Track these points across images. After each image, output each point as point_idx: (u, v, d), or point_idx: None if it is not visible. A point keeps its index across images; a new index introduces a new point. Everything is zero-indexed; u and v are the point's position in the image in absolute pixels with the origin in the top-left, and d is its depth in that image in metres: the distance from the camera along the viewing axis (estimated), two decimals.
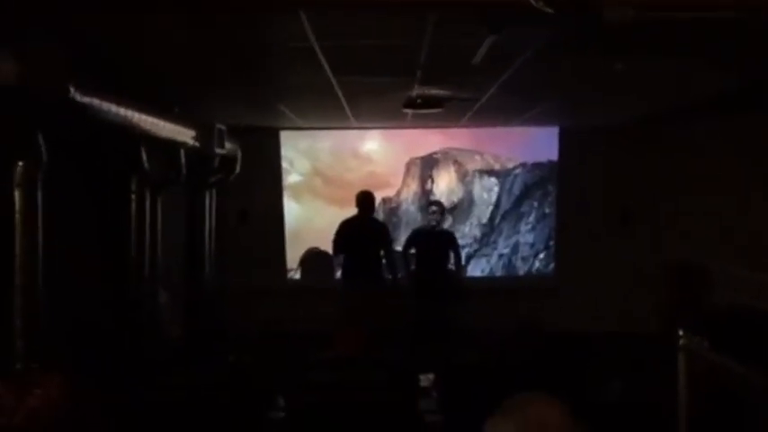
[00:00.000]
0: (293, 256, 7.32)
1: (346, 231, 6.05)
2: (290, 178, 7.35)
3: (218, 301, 6.16)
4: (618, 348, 4.57)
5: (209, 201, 6.08)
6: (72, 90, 2.99)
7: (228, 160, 6.02)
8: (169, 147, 4.78)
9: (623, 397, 3.21)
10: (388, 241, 6.23)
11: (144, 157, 4.46)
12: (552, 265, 7.46)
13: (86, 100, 3.16)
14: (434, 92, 4.69)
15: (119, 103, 3.69)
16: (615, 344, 5.00)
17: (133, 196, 4.54)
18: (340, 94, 4.69)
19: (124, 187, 4.53)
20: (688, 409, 2.15)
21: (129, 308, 4.48)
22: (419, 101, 4.80)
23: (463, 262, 6.96)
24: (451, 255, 6.58)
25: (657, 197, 6.89)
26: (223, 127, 5.44)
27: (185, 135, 4.89)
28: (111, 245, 4.63)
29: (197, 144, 5.08)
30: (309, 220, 7.31)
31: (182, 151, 4.88)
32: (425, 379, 3.95)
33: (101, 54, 3.42)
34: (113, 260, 4.59)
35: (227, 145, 5.67)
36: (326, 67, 3.77)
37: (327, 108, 5.44)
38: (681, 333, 1.97)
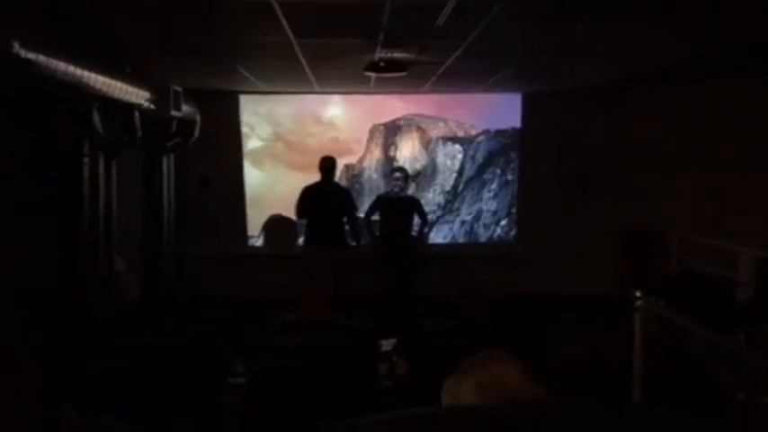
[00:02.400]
0: (255, 223, 7.23)
1: (309, 197, 5.98)
2: (251, 143, 7.21)
3: (177, 267, 6.06)
4: (577, 311, 4.65)
5: (168, 166, 5.94)
6: (15, 45, 2.83)
7: (187, 124, 5.86)
8: (123, 108, 4.63)
9: (581, 358, 3.26)
10: (351, 207, 6.19)
11: (96, 119, 4.30)
12: (514, 232, 7.53)
13: (31, 56, 3.00)
14: (398, 55, 4.62)
15: (68, 61, 3.53)
16: (575, 307, 5.10)
17: (86, 160, 4.38)
18: (301, 56, 4.58)
19: (76, 150, 4.37)
20: (643, 368, 2.18)
21: (84, 275, 4.37)
22: (382, 64, 4.72)
23: (428, 227, 6.98)
24: (416, 220, 6.57)
25: (617, 162, 6.97)
26: (179, 89, 5.27)
27: (140, 96, 4.72)
28: (64, 211, 4.49)
29: (152, 106, 4.92)
30: (271, 186, 7.20)
31: (136, 113, 4.73)
32: (387, 344, 3.96)
33: (48, 8, 3.25)
34: (67, 227, 4.45)
35: (185, 108, 5.50)
36: (286, 26, 3.66)
37: (288, 71, 5.31)
38: (637, 294, 1.98)
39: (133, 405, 2.91)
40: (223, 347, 3.32)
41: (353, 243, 6.25)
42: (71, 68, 3.62)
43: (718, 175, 6.68)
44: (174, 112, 5.21)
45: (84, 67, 3.84)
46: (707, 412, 2.07)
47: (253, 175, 7.22)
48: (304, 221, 6.09)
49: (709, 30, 3.91)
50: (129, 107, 4.70)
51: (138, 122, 4.78)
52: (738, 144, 6.70)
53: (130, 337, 3.24)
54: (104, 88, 4.19)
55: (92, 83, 4.01)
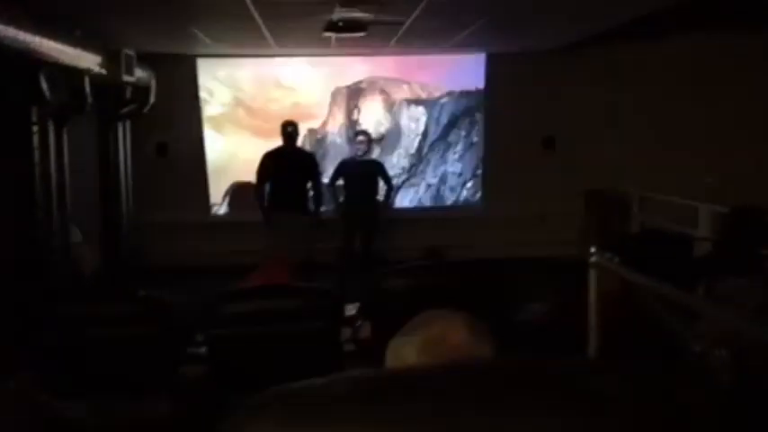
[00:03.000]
0: (217, 190, 7.11)
1: (271, 162, 5.87)
2: (211, 109, 7.04)
3: (137, 237, 5.94)
4: (542, 271, 4.68)
5: (123, 133, 5.78)
6: None
7: (141, 89, 5.69)
8: (72, 74, 4.45)
9: (543, 316, 3.27)
10: (315, 172, 6.10)
11: (44, 84, 4.13)
12: (479, 194, 7.53)
13: None
14: (356, 14, 4.50)
15: (12, 25, 3.36)
16: (540, 267, 5.14)
17: (35, 128, 4.23)
18: (256, 15, 4.44)
19: (24, 119, 4.21)
20: (601, 324, 2.19)
21: (38, 246, 4.25)
22: (341, 24, 4.61)
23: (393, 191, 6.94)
24: (381, 184, 6.52)
25: (583, 123, 6.99)
26: (132, 53, 5.09)
27: (90, 61, 4.55)
28: (15, 181, 4.34)
29: (103, 71, 4.75)
30: (233, 153, 7.06)
31: (86, 79, 4.56)
32: (351, 308, 3.93)
33: None
34: (18, 198, 4.31)
35: (139, 72, 5.33)
36: None
37: (245, 32, 5.16)
38: (592, 251, 1.97)
39: (92, 375, 2.87)
40: (183, 316, 3.26)
41: (318, 207, 6.18)
42: (15, 32, 3.46)
43: (680, 134, 6.75)
44: (126, 77, 5.04)
45: (29, 31, 3.67)
46: (659, 366, 2.09)
47: (214, 142, 7.07)
48: (267, 188, 5.97)
49: None
50: (79, 72, 4.53)
51: (88, 88, 4.61)
52: (698, 103, 6.76)
53: (87, 307, 3.15)
54: (52, 53, 4.03)
55: (38, 48, 3.85)
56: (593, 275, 1.96)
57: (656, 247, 3.81)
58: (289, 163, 5.88)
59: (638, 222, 6.60)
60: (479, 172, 7.49)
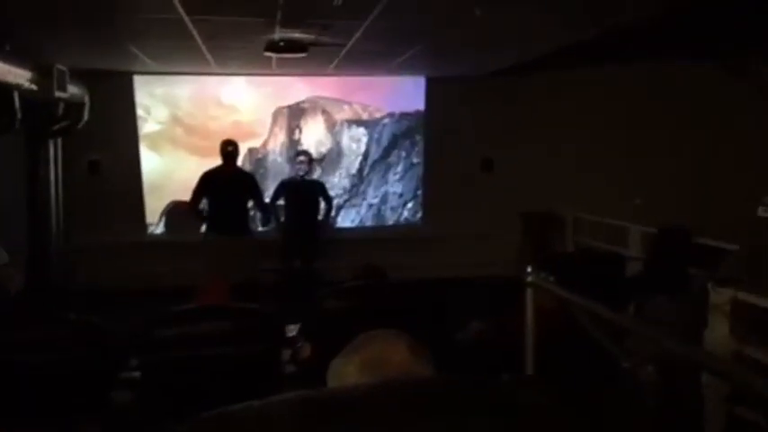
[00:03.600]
0: (153, 210, 6.94)
1: (210, 183, 5.77)
2: (147, 127, 6.88)
3: (68, 258, 5.72)
4: (481, 291, 4.75)
5: (54, 150, 5.58)
6: None
7: (74, 106, 5.52)
8: (1, 89, 4.29)
9: (482, 335, 3.32)
10: (257, 191, 6.03)
11: None
12: (420, 214, 7.61)
13: None
14: (297, 35, 4.52)
15: None
16: (479, 287, 5.22)
17: None
18: (195, 34, 4.39)
19: None
20: (537, 342, 2.24)
21: None
22: (282, 44, 4.61)
23: (333, 212, 6.93)
24: (322, 204, 6.50)
25: (520, 146, 7.16)
26: (64, 68, 4.94)
27: (19, 76, 4.40)
28: None
29: (34, 87, 4.59)
30: (171, 172, 6.91)
31: (16, 94, 4.39)
32: (292, 329, 3.90)
33: None
34: None
35: (72, 89, 5.17)
36: (176, 2, 3.49)
37: (184, 51, 5.09)
38: (528, 270, 2.02)
39: (20, 403, 2.73)
40: (115, 339, 3.15)
41: (261, 228, 6.10)
42: None
43: (612, 158, 7.02)
44: (58, 93, 4.89)
45: None
46: (590, 382, 2.15)
47: (150, 161, 6.91)
48: (204, 208, 5.86)
49: (609, 15, 4.05)
50: (8, 88, 4.37)
51: (18, 104, 4.44)
52: (630, 127, 7.06)
53: (13, 331, 3.01)
54: None
55: None
56: (529, 294, 2.01)
57: (590, 266, 3.94)
58: (228, 183, 5.79)
59: (572, 242, 6.81)
60: (420, 192, 7.58)
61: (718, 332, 3.04)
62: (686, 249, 3.71)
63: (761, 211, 3.27)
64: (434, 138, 7.37)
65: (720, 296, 3.03)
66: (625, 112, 7.03)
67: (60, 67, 4.90)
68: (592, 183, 6.85)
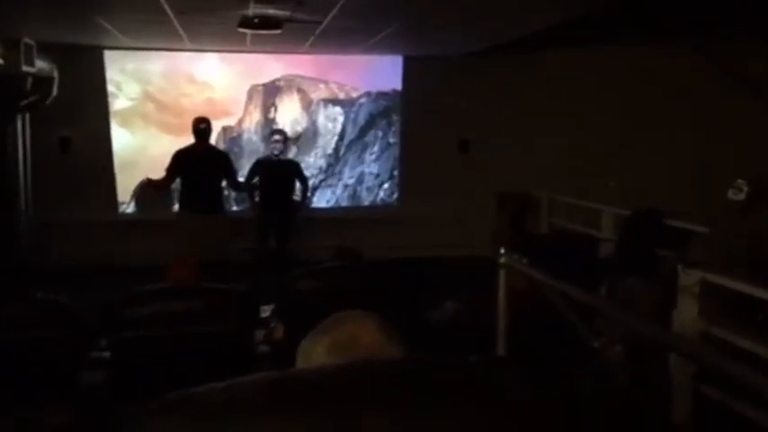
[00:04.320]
0: (125, 188, 6.82)
1: (182, 161, 5.68)
2: (118, 103, 6.74)
3: (36, 235, 5.62)
4: (455, 271, 4.77)
5: (23, 126, 5.45)
6: None
7: (43, 81, 5.39)
8: None
9: (456, 315, 3.34)
10: (231, 170, 5.96)
11: None
12: (396, 195, 7.60)
13: None
14: (272, 11, 4.44)
15: None
16: (454, 268, 5.24)
17: None
18: (167, 8, 4.28)
19: None
20: (509, 322, 2.25)
21: None
22: (256, 20, 4.52)
23: (309, 192, 6.88)
24: (297, 184, 6.46)
25: (496, 127, 7.17)
26: (32, 42, 4.80)
27: None
28: None
29: (0, 61, 4.46)
30: (142, 149, 6.79)
31: None
32: (266, 309, 3.87)
33: None
34: None
35: (40, 63, 5.04)
36: None
37: (155, 25, 4.97)
38: (501, 252, 2.03)
39: None
40: (84, 319, 3.10)
41: (235, 207, 6.03)
42: None
43: (587, 140, 7.06)
44: (26, 68, 4.75)
45: None
46: (560, 361, 2.17)
47: (122, 138, 6.78)
48: (177, 186, 5.78)
49: None
50: None
51: None
52: (605, 110, 7.09)
53: None
54: None
55: None
56: (501, 275, 2.02)
57: (563, 247, 3.97)
58: (201, 161, 5.70)
59: (546, 224, 6.86)
60: (396, 173, 7.56)
61: (686, 313, 3.09)
62: (657, 231, 3.76)
63: (730, 194, 3.31)
64: (411, 118, 7.34)
65: (690, 278, 3.08)
66: (602, 94, 7.06)
67: (28, 40, 4.77)
68: (567, 165, 6.89)
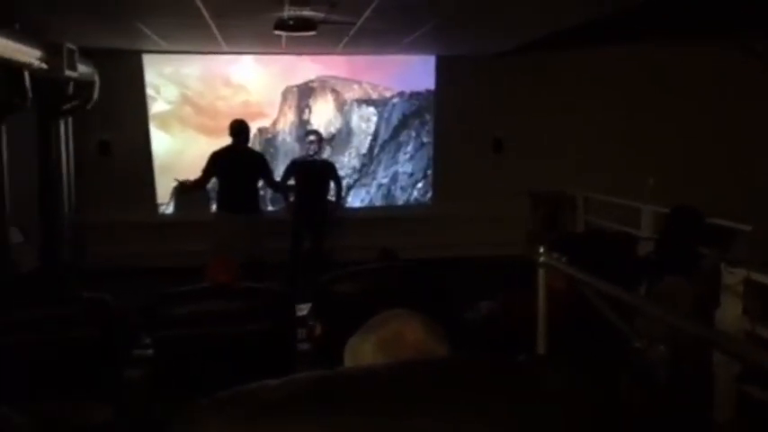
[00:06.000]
0: (164, 189, 6.95)
1: (220, 162, 5.77)
2: (157, 106, 6.88)
3: (79, 236, 5.76)
4: (490, 270, 4.76)
5: (65, 130, 5.59)
6: None
7: (85, 85, 5.52)
8: (11, 68, 4.29)
9: (489, 317, 3.33)
10: (268, 170, 6.02)
11: None
12: (430, 194, 7.60)
13: None
14: (307, 13, 4.48)
15: None
16: (489, 267, 5.22)
17: None
18: (204, 12, 4.36)
19: None
20: (548, 322, 2.24)
21: None
22: (291, 22, 4.57)
23: (343, 192, 6.92)
24: (332, 185, 6.50)
25: (531, 125, 7.12)
26: (74, 47, 4.93)
27: (29, 55, 4.39)
28: None
29: (44, 65, 4.58)
30: (180, 152, 6.92)
31: (26, 73, 4.39)
32: (303, 308, 3.92)
33: None
34: None
35: (82, 68, 5.16)
36: None
37: (193, 29, 5.06)
38: (540, 251, 2.02)
39: (33, 380, 2.77)
40: (127, 318, 3.18)
41: (271, 207, 6.07)
42: None
43: (623, 137, 6.97)
44: (68, 72, 4.87)
45: None
46: (602, 360, 2.15)
47: (160, 140, 6.91)
48: (215, 186, 5.87)
49: None
50: (18, 67, 4.36)
51: (28, 83, 4.44)
52: (642, 107, 6.99)
53: (26, 309, 3.03)
54: None
55: None
56: (541, 274, 2.01)
57: (601, 246, 3.92)
58: (238, 163, 5.78)
59: (582, 222, 6.78)
60: (430, 172, 7.55)
61: (730, 312, 3.03)
62: (698, 229, 3.69)
63: None
64: (445, 117, 7.33)
65: (733, 276, 3.02)
66: (637, 90, 6.95)
67: (70, 45, 4.89)
68: (603, 163, 6.81)
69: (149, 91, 6.78)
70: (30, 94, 4.44)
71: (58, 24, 4.78)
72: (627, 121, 6.98)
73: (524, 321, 2.53)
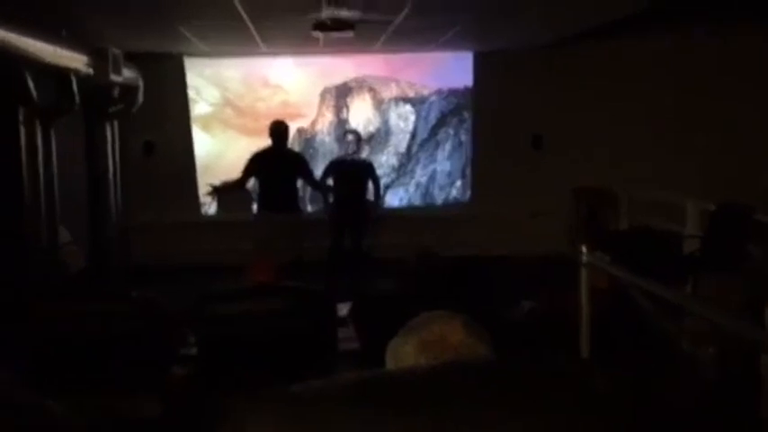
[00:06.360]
0: (206, 190, 7.06)
1: (260, 163, 5.84)
2: (199, 108, 7.00)
3: (125, 235, 5.90)
4: (531, 270, 4.71)
5: (111, 132, 5.73)
6: None
7: (129, 89, 5.66)
8: (59, 73, 4.42)
9: (532, 315, 3.29)
10: (308, 170, 6.08)
11: (31, 84, 4.10)
12: (469, 193, 7.55)
13: None
14: (344, 13, 4.50)
15: None
16: (529, 266, 5.17)
17: (22, 128, 4.20)
18: (243, 14, 4.42)
19: (11, 119, 4.18)
20: (591, 322, 2.21)
21: (26, 247, 4.22)
22: (329, 23, 4.60)
23: (382, 191, 6.94)
24: (370, 184, 6.52)
25: (571, 121, 7.01)
26: (119, 52, 5.05)
27: (76, 60, 4.52)
28: (2, 182, 4.31)
29: (90, 70, 4.71)
30: (222, 153, 7.03)
31: (73, 78, 4.52)
32: (343, 308, 3.93)
33: None
34: (6, 198, 4.28)
35: (126, 72, 5.29)
36: None
37: (232, 31, 5.13)
38: (583, 250, 1.99)
39: (79, 375, 2.84)
40: (172, 316, 3.24)
41: (310, 207, 6.10)
42: (1, 33, 3.43)
43: (668, 132, 6.81)
44: (114, 77, 5.00)
45: (14, 30, 3.64)
46: (649, 365, 2.11)
47: (203, 142, 7.04)
48: (255, 187, 5.95)
49: None
50: (66, 72, 4.50)
51: (75, 88, 4.57)
52: (686, 101, 6.82)
53: (75, 304, 3.12)
54: (38, 52, 4.01)
55: (24, 47, 3.83)
56: (584, 274, 1.98)
57: (646, 244, 3.84)
58: (278, 163, 5.85)
59: (626, 220, 6.64)
60: (468, 170, 7.51)
61: None
62: (746, 226, 3.59)
63: None
64: (483, 114, 7.27)
65: None
66: (679, 83, 6.79)
67: (115, 50, 5.01)
68: (645, 157, 6.66)
69: (191, 93, 6.91)
70: (77, 99, 4.57)
71: (104, 30, 4.91)
72: (674, 115, 6.82)
73: (567, 321, 2.49)
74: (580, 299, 2.08)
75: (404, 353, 1.12)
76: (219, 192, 5.95)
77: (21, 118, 4.18)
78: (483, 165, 7.39)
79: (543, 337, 2.86)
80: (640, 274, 1.99)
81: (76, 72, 4.56)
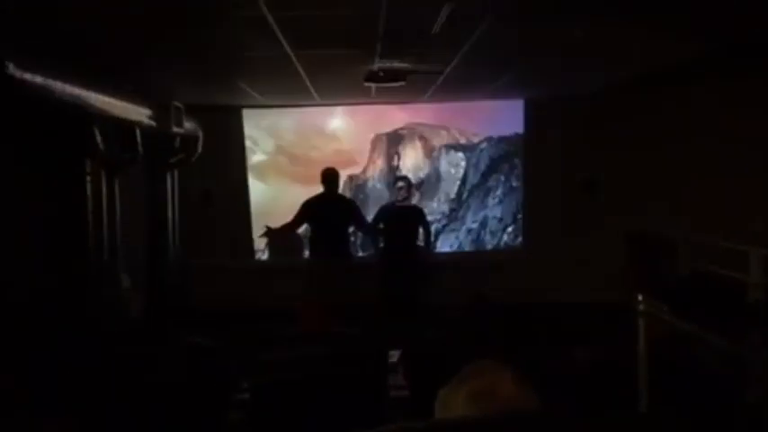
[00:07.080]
0: (261, 231, 7.22)
1: (311, 209, 5.96)
2: (255, 157, 7.23)
3: (183, 282, 6.05)
4: (584, 317, 4.60)
5: (172, 182, 5.95)
6: (10, 66, 2.84)
7: (189, 140, 5.88)
8: (124, 126, 4.64)
9: (589, 364, 3.21)
10: (359, 216, 6.17)
11: (98, 137, 4.31)
12: (520, 239, 7.49)
13: (27, 76, 3.01)
14: (396, 64, 4.61)
15: (65, 81, 3.55)
16: (582, 313, 5.05)
17: (88, 178, 4.40)
18: (299, 68, 4.58)
19: (79, 170, 4.38)
20: (650, 373, 2.15)
21: (89, 293, 4.37)
22: (381, 74, 4.71)
23: (432, 237, 6.95)
24: (421, 230, 6.55)
25: (623, 166, 6.92)
26: (180, 105, 5.28)
27: (140, 114, 4.74)
28: (68, 230, 4.50)
29: (153, 123, 4.93)
30: (275, 200, 7.19)
31: (137, 130, 4.74)
32: (395, 354, 3.93)
33: (46, 28, 3.27)
34: (71, 245, 4.46)
35: (187, 124, 5.52)
36: (282, 39, 3.67)
37: (288, 84, 5.32)
38: (640, 299, 1.95)
39: (139, 420, 2.91)
40: (228, 362, 3.30)
41: (362, 253, 6.15)
42: (69, 88, 3.64)
43: (725, 177, 6.62)
44: (175, 129, 5.22)
45: (83, 86, 3.86)
46: (711, 418, 2.03)
47: (257, 189, 7.23)
48: (306, 234, 6.06)
49: (713, 32, 3.88)
50: (131, 125, 4.72)
51: (139, 139, 4.79)
52: (743, 146, 6.64)
53: (134, 352, 3.22)
54: (104, 107, 4.22)
55: (91, 102, 4.04)
56: (641, 324, 1.94)
57: (706, 292, 3.73)
58: (329, 209, 5.96)
59: (684, 267, 6.44)
60: (520, 216, 7.46)
61: None
62: None
63: None
64: (534, 160, 7.26)
65: None
66: (738, 128, 6.63)
67: (177, 104, 5.25)
68: (704, 203, 6.48)
69: (247, 143, 7.14)
70: (140, 150, 4.78)
71: (169, 86, 5.15)
72: (732, 159, 6.64)
73: (623, 372, 2.43)
74: (638, 349, 2.02)
75: (453, 403, 1.12)
76: (273, 234, 6.06)
77: (87, 169, 4.37)
78: (534, 210, 7.34)
79: (598, 389, 2.79)
80: (701, 323, 1.93)
81: (140, 125, 4.78)
